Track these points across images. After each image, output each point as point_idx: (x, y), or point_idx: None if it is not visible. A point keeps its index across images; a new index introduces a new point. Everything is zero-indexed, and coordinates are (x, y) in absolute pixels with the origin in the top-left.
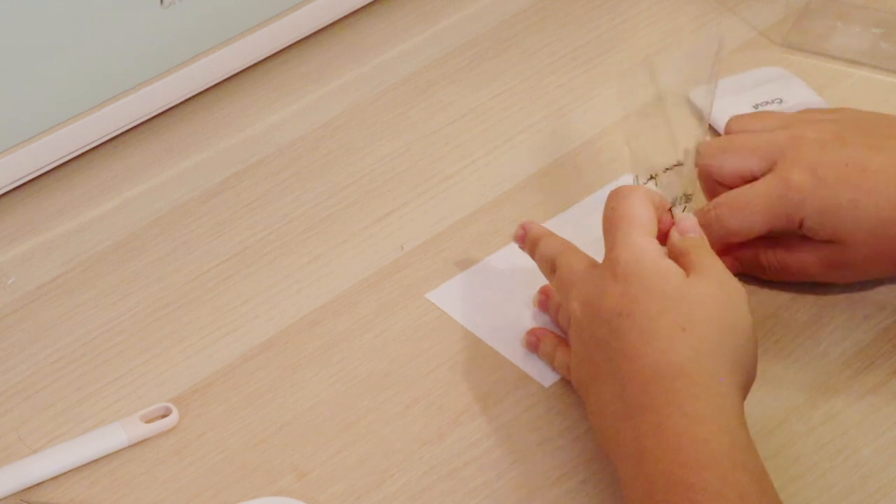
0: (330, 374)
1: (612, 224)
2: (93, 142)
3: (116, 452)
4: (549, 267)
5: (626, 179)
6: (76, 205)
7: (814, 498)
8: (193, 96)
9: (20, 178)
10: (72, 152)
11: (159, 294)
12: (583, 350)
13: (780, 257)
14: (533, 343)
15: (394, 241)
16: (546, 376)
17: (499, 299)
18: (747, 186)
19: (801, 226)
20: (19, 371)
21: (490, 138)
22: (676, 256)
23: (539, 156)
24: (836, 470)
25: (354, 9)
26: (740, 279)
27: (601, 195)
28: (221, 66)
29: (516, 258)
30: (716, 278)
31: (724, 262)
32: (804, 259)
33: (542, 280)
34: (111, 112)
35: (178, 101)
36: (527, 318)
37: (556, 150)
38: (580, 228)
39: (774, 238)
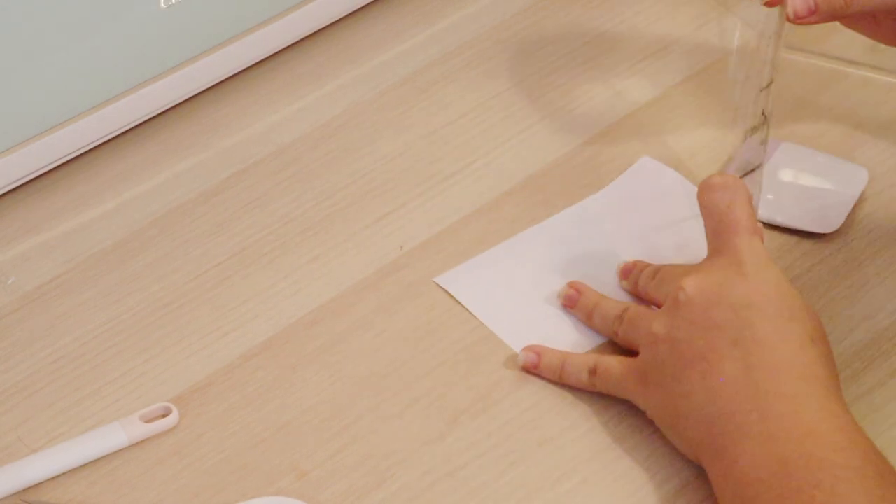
0: (330, 374)
1: (725, 223)
2: (92, 142)
3: (116, 452)
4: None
5: (646, 164)
6: (76, 205)
7: None
8: (193, 96)
9: (20, 178)
10: (71, 152)
11: (159, 294)
12: (688, 328)
13: None
14: (533, 361)
15: (393, 241)
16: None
17: (508, 287)
18: None
19: None
20: (19, 371)
21: (490, 138)
22: None
23: (539, 156)
24: None
25: (354, 9)
26: None
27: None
28: (221, 67)
29: (528, 246)
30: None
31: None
32: None
33: (556, 269)
34: (111, 112)
35: (177, 102)
36: (537, 308)
37: (556, 150)
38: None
39: None
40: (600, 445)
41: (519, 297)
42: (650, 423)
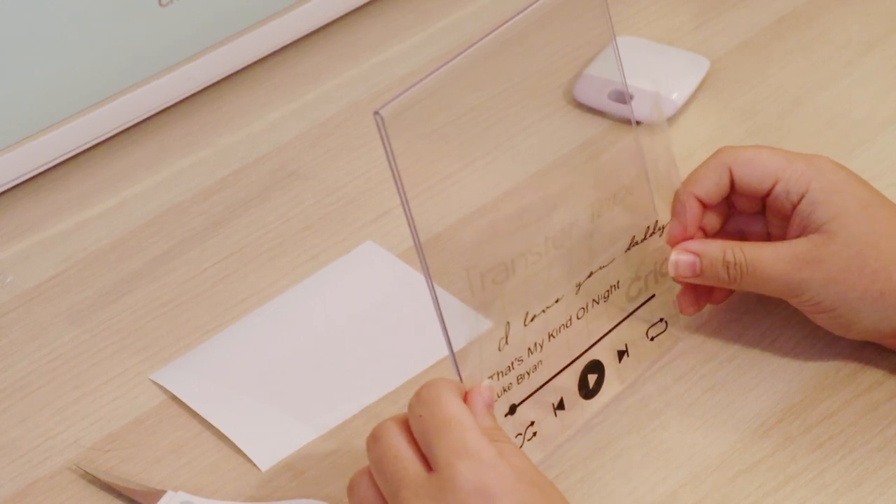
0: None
1: (432, 432)
2: (91, 140)
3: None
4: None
5: (368, 249)
6: (74, 203)
7: (810, 497)
8: (191, 95)
9: (19, 177)
10: (70, 151)
11: (157, 293)
12: None
13: (750, 253)
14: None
15: (392, 240)
16: (264, 459)
17: (229, 377)
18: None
19: (797, 203)
20: (17, 370)
21: (490, 138)
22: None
23: (539, 155)
24: (833, 469)
25: (352, 8)
26: None
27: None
28: (220, 66)
29: (246, 332)
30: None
31: (686, 258)
32: (776, 254)
33: (277, 354)
34: (110, 111)
35: (176, 100)
36: (253, 393)
37: (556, 149)
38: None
39: (741, 236)
40: (599, 444)
41: (242, 387)
42: (647, 422)
